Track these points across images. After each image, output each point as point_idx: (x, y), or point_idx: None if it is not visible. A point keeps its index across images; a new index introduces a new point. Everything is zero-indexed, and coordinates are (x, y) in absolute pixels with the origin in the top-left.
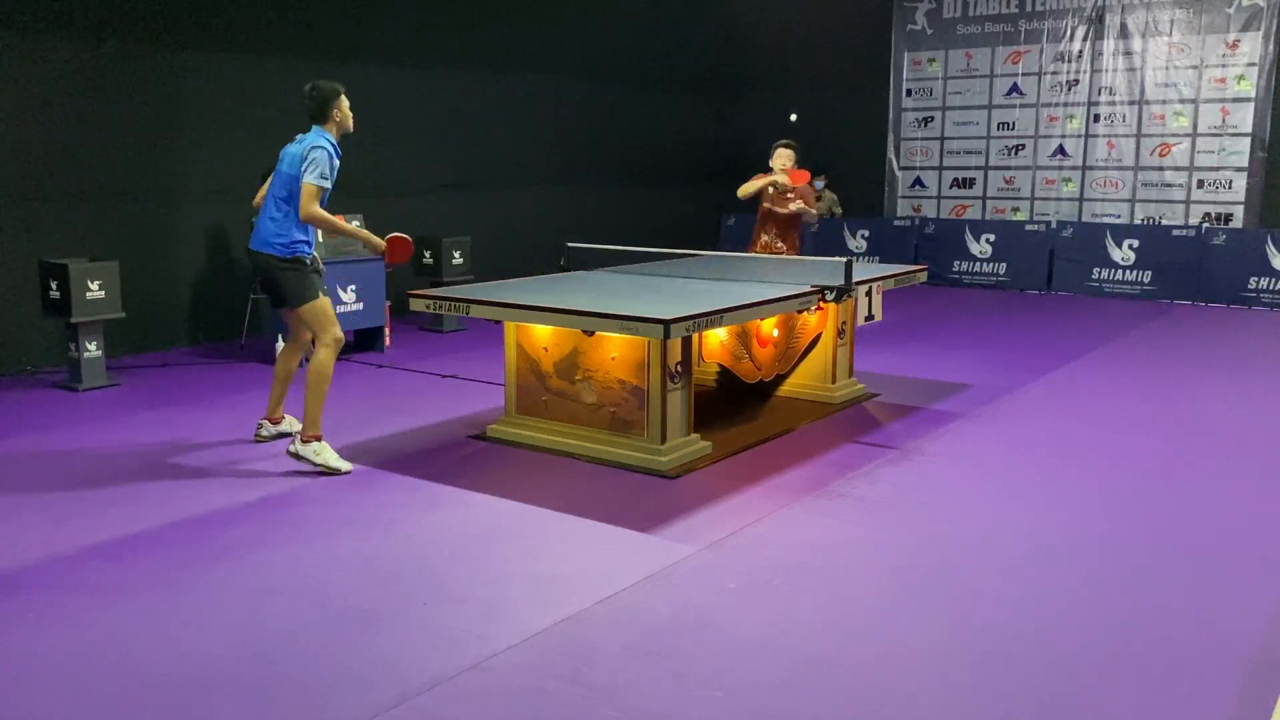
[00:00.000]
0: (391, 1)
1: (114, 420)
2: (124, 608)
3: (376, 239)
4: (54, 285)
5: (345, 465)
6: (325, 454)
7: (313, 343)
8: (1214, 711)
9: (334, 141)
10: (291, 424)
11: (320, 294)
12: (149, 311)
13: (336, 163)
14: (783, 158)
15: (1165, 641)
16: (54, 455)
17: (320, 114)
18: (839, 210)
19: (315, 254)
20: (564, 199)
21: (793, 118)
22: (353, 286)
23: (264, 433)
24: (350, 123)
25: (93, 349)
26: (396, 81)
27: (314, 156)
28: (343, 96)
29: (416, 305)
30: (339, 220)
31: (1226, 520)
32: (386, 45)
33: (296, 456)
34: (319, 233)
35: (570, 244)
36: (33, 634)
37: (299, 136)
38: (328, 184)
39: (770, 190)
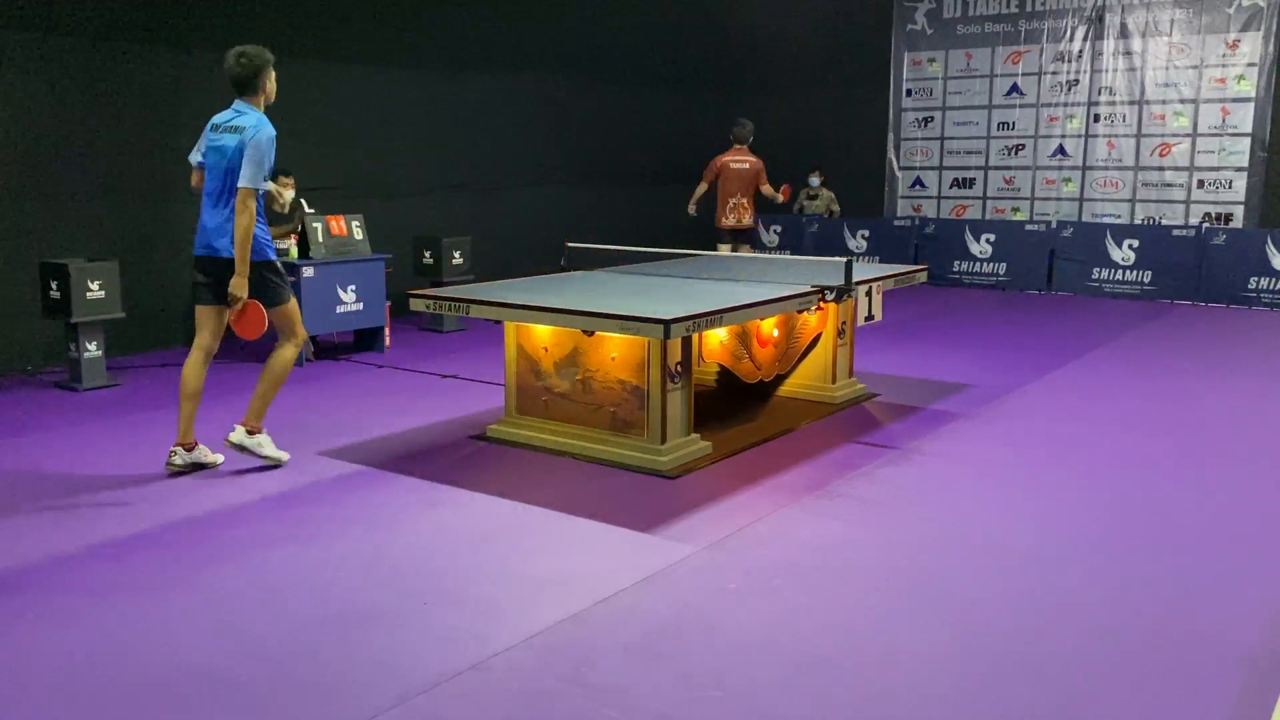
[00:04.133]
0: (392, 2)
1: (114, 420)
2: (124, 608)
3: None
4: (54, 285)
5: (284, 455)
6: (268, 446)
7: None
8: (1214, 711)
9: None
10: (205, 453)
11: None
12: (149, 311)
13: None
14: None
15: (1165, 642)
16: (54, 455)
17: (250, 85)
18: (836, 209)
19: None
20: (564, 199)
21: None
22: (352, 287)
23: (177, 460)
24: (273, 97)
25: (93, 349)
26: (396, 81)
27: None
28: (271, 68)
29: (416, 305)
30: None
31: (1226, 520)
32: (387, 46)
33: (240, 448)
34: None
35: (570, 244)
36: (33, 634)
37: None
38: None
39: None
